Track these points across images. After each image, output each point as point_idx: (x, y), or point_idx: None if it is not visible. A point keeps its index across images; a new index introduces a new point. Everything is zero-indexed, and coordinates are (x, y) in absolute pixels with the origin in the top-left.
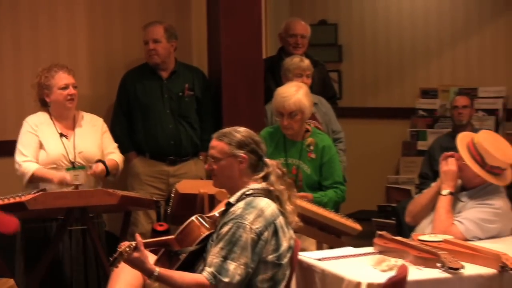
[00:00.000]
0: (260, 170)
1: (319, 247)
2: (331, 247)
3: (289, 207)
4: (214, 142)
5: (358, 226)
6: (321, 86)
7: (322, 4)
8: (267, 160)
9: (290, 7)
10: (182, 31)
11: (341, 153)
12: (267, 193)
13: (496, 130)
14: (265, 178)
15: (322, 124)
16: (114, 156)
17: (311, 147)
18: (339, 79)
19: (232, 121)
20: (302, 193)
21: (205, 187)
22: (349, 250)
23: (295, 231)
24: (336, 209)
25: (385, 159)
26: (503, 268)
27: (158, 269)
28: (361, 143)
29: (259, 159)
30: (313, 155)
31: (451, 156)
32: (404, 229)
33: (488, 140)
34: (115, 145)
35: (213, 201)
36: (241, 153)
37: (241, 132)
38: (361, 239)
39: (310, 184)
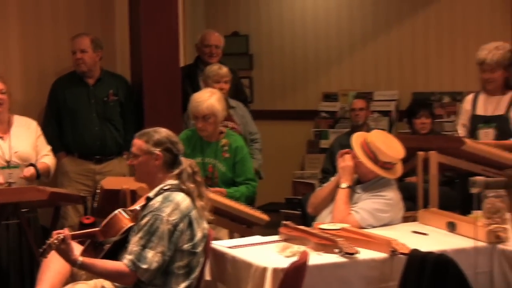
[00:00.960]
0: (176, 168)
1: (231, 236)
2: (242, 236)
3: (198, 203)
4: (135, 140)
5: (265, 217)
6: (234, 91)
7: (234, 17)
8: (182, 158)
9: (206, 19)
10: (107, 42)
11: (257, 152)
12: (182, 189)
13: (390, 130)
14: (179, 176)
15: (240, 126)
16: (47, 159)
17: (226, 148)
18: (250, 84)
19: (153, 124)
20: (217, 188)
21: (128, 183)
22: (257, 238)
23: (209, 222)
24: (250, 202)
25: (291, 156)
26: (393, 252)
27: (81, 258)
28: (270, 142)
29: (174, 157)
30: (227, 155)
31: (347, 153)
32: (308, 219)
33: (380, 138)
34: (49, 148)
35: (135, 196)
36: (156, 151)
37: (160, 132)
38: (271, 229)
39: (225, 180)
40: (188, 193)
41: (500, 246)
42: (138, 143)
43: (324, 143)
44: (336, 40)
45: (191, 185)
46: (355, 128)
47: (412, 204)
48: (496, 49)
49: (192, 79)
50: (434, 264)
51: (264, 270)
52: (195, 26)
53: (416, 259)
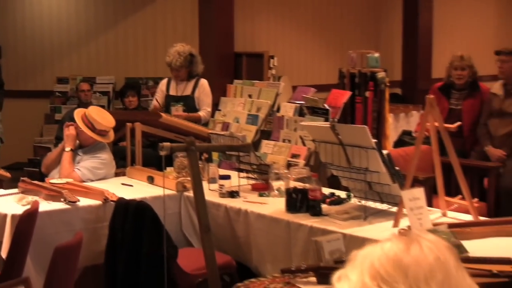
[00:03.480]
0: None
1: None
2: None
3: None
4: None
5: (7, 174)
6: None
7: None
8: None
9: None
10: None
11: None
12: None
13: (108, 106)
14: None
15: None
16: None
17: None
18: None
19: None
20: None
21: None
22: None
23: None
24: None
25: (34, 126)
26: (105, 200)
27: None
28: (17, 115)
29: None
30: None
31: (71, 124)
32: (44, 176)
33: (95, 112)
34: None
35: None
36: None
37: None
38: (17, 183)
39: None
40: None
41: (186, 193)
42: None
43: (58, 116)
44: (66, 34)
45: None
46: (82, 105)
47: (123, 163)
48: (178, 55)
49: None
50: (135, 208)
51: (4, 216)
52: None
53: (122, 204)
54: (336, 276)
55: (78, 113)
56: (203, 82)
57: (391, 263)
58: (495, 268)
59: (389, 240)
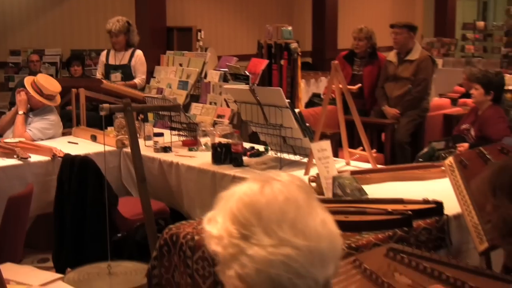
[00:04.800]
0: None
1: None
2: None
3: None
4: None
5: None
6: None
7: None
8: None
9: None
10: None
11: None
12: None
13: (56, 75)
14: None
15: None
16: None
17: None
18: None
19: None
20: None
21: None
22: None
23: None
24: None
25: None
26: (54, 156)
27: None
28: None
29: None
30: None
31: (22, 90)
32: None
33: (43, 79)
34: None
35: None
36: None
37: None
38: None
39: None
40: None
41: (124, 149)
42: None
43: (11, 84)
44: (18, 11)
45: None
46: (32, 74)
47: (70, 124)
48: (117, 21)
49: None
50: (80, 162)
51: None
52: None
53: (68, 159)
54: (207, 218)
55: (28, 80)
56: (139, 52)
57: (246, 208)
58: (389, 207)
59: (246, 183)
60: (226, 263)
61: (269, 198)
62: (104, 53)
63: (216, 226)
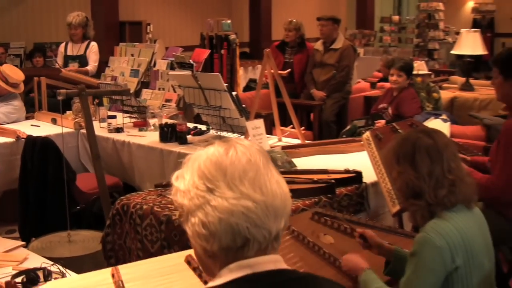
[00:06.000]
0: None
1: None
2: None
3: None
4: None
5: None
6: None
7: None
8: None
9: None
10: None
11: None
12: None
13: (21, 65)
14: None
15: None
16: None
17: None
18: None
19: None
20: None
21: None
22: None
23: None
24: None
25: None
26: (18, 137)
27: None
28: None
29: None
30: None
31: None
32: None
33: (8, 68)
34: None
35: None
36: None
37: None
38: None
39: None
40: None
41: (81, 130)
42: None
43: None
44: None
45: None
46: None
47: (33, 109)
48: (77, 16)
49: None
50: (41, 143)
51: None
52: None
53: (31, 140)
54: (174, 175)
55: None
56: (93, 43)
57: (213, 165)
58: (315, 177)
59: (212, 146)
60: (191, 212)
61: (233, 159)
62: (63, 45)
63: (183, 181)
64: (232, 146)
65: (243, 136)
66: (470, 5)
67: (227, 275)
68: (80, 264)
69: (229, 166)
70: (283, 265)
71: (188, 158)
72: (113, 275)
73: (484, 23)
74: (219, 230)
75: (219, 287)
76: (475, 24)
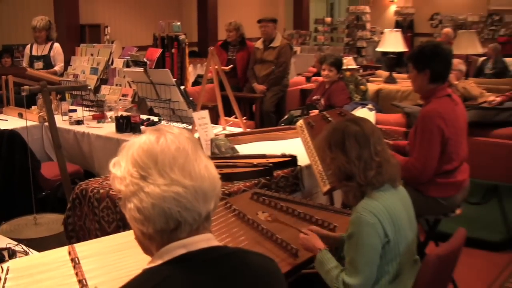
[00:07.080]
0: None
1: None
2: None
3: None
4: None
5: None
6: None
7: None
8: None
9: None
10: None
11: None
12: None
13: None
14: None
15: None
16: None
17: None
18: None
19: None
20: None
21: None
22: None
23: None
24: None
25: None
26: None
27: None
28: None
29: None
30: None
31: None
32: None
33: None
34: None
35: None
36: None
37: None
38: None
39: None
40: None
41: (45, 123)
42: None
43: None
44: None
45: None
46: None
47: (1, 105)
48: (41, 20)
49: None
50: (8, 135)
51: None
52: None
53: None
54: (112, 162)
55: None
56: (57, 45)
57: (144, 154)
58: (255, 161)
59: (144, 135)
60: (128, 198)
61: (163, 147)
62: (28, 46)
63: (120, 169)
64: (163, 135)
65: (190, 126)
66: (393, 8)
67: (163, 256)
68: (45, 245)
69: (160, 154)
70: (215, 242)
71: (124, 146)
72: (69, 253)
73: (405, 24)
74: (152, 214)
75: (158, 267)
76: (397, 25)
